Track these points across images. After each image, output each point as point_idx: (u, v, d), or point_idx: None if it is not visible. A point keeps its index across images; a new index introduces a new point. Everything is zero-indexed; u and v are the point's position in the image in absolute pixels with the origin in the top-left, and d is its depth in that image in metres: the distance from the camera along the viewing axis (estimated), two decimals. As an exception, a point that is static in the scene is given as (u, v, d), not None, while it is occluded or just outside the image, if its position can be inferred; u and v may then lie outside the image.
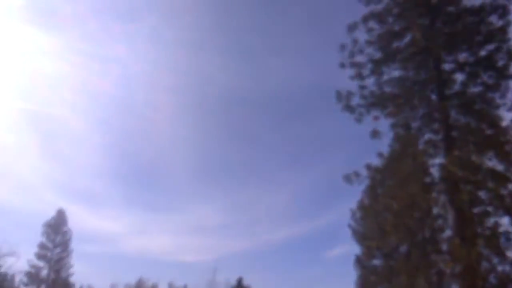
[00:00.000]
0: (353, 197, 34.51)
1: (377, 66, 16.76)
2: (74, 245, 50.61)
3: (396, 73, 17.03)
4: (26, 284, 47.65)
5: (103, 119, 78.86)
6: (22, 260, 46.63)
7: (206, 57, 76.33)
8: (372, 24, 16.57)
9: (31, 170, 73.65)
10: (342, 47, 17.04)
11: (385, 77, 17.00)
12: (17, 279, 48.07)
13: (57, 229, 49.10)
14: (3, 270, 46.10)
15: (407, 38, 16.35)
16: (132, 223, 79.09)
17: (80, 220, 72.15)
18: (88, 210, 76.14)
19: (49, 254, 48.35)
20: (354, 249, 34.61)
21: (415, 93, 16.78)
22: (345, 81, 17.86)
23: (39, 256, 47.99)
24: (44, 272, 48.03)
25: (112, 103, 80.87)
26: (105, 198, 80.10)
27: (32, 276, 47.54)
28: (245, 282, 63.54)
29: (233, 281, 62.57)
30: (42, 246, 48.17)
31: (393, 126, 17.63)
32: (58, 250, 48.84)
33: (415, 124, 17.42)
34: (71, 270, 49.57)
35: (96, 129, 79.23)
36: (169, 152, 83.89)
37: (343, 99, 17.46)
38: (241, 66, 78.48)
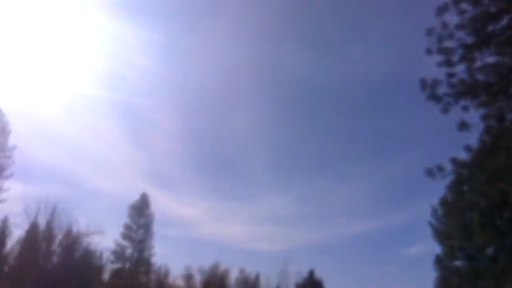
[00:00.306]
0: (434, 193, 32.71)
1: (469, 51, 15.45)
2: (156, 227, 53.75)
3: (490, 59, 15.62)
4: (112, 262, 51.47)
5: (184, 108, 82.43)
6: (109, 239, 50.54)
7: (285, 48, 76.33)
8: (464, 5, 15.27)
9: (119, 156, 79.22)
10: (429, 31, 15.91)
11: (478, 63, 15.65)
12: (105, 256, 52.09)
13: (140, 211, 52.30)
14: (92, 247, 50.17)
15: (504, 21, 14.90)
16: (210, 210, 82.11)
17: (162, 204, 76.11)
18: (170, 195, 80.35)
19: (133, 234, 51.75)
20: (434, 248, 32.83)
21: (511, 81, 15.31)
22: (431, 69, 16.77)
23: (124, 236, 51.53)
24: (128, 251, 51.55)
25: (193, 94, 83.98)
26: (185, 185, 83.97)
27: (118, 254, 51.20)
28: (317, 274, 63.19)
29: (305, 273, 62.49)
30: (127, 227, 51.66)
31: (485, 117, 16.21)
32: (141, 231, 52.09)
33: (510, 115, 15.92)
34: (153, 251, 52.75)
35: (178, 118, 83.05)
36: (248, 143, 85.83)
37: (429, 87, 16.36)
38: (321, 57, 77.61)
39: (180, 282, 56.33)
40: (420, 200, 69.97)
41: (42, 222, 45.27)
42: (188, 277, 50.04)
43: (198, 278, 54.85)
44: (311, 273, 63.84)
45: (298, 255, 78.97)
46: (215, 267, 57.20)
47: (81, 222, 47.20)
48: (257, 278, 61.49)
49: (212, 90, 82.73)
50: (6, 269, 45.51)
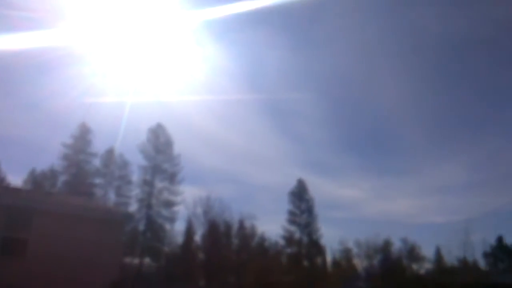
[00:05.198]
0: None
1: None
2: (319, 211, 54.91)
3: None
4: (284, 247, 54.48)
5: (326, 94, 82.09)
6: (278, 227, 53.84)
7: (416, 8, 69.71)
8: None
9: (273, 150, 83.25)
10: None
11: None
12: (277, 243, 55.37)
13: (300, 197, 54.15)
14: (264, 235, 54.06)
15: None
16: (372, 188, 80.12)
17: (322, 189, 77.45)
18: (329, 180, 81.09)
19: (298, 219, 53.89)
20: None
21: None
22: None
23: (290, 222, 54.01)
24: (297, 236, 53.89)
25: (331, 77, 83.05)
26: (342, 167, 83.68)
27: (288, 239, 53.93)
28: (507, 240, 56.36)
29: (492, 241, 56.44)
30: (290, 213, 54.04)
31: None
32: (305, 215, 53.87)
33: None
34: (319, 233, 54.10)
35: (321, 104, 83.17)
36: (397, 114, 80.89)
37: None
38: (456, 7, 68.56)
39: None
40: None
41: (217, 218, 50.32)
42: (346, 251, 49.74)
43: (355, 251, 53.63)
44: (499, 240, 57.29)
45: (480, 224, 71.17)
46: (374, 238, 55.12)
47: (248, 213, 51.26)
48: (437, 252, 57.73)
49: (349, 70, 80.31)
50: (197, 261, 51.97)
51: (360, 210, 79.16)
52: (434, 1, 69.31)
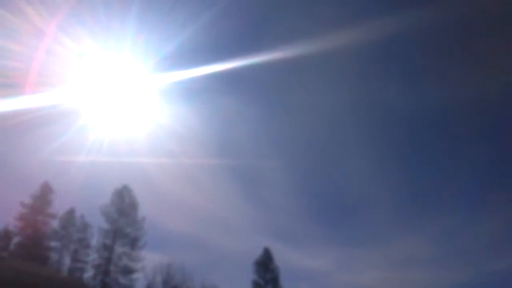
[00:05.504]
0: None
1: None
2: (285, 282, 53.30)
3: None
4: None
5: (294, 163, 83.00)
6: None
7: (381, 84, 73.73)
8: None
9: (240, 217, 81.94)
10: None
11: None
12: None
13: (265, 266, 52.72)
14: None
15: None
16: (338, 259, 78.99)
17: (288, 258, 75.95)
18: (292, 248, 79.78)
19: (263, 291, 52.14)
20: None
21: None
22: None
23: (255, 293, 52.18)
24: (263, 308, 51.83)
25: (300, 147, 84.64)
26: (308, 237, 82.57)
27: (252, 312, 51.76)
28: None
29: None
30: (255, 283, 52.06)
31: None
32: (269, 286, 52.19)
33: None
34: (286, 306, 52.22)
35: (290, 173, 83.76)
36: (365, 186, 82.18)
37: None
38: (421, 84, 73.16)
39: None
40: None
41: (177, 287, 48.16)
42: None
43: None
44: (463, 316, 56.88)
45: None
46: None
47: (210, 283, 49.34)
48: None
49: (318, 140, 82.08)
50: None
51: (325, 282, 77.43)
52: (399, 79, 73.44)
